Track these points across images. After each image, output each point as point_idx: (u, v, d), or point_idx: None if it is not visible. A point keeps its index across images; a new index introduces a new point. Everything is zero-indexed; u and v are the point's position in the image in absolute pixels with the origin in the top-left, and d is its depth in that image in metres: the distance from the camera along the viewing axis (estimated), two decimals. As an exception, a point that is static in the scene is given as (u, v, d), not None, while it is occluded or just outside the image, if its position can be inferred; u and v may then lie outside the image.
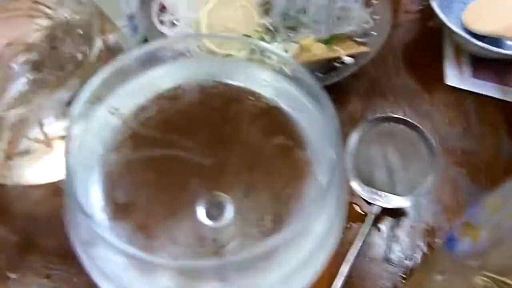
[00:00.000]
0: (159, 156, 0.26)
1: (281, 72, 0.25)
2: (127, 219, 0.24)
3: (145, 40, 0.51)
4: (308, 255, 0.21)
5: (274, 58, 0.38)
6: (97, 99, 0.22)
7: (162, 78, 0.25)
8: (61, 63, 0.36)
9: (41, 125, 0.36)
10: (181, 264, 0.19)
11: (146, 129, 0.25)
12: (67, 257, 0.40)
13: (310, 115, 0.24)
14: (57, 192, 0.43)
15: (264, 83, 0.25)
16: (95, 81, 0.21)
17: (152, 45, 0.23)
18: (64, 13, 0.35)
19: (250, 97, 0.25)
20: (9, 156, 0.37)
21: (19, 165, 0.38)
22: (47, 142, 0.37)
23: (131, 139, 0.25)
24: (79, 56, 0.36)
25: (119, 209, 0.24)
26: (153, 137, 0.25)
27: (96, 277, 0.23)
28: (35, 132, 0.37)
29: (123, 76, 0.23)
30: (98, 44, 0.37)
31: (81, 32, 0.38)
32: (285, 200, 0.25)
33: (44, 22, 0.38)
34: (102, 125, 0.24)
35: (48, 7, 0.39)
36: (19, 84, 0.36)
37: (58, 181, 0.43)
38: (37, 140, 0.37)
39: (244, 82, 0.26)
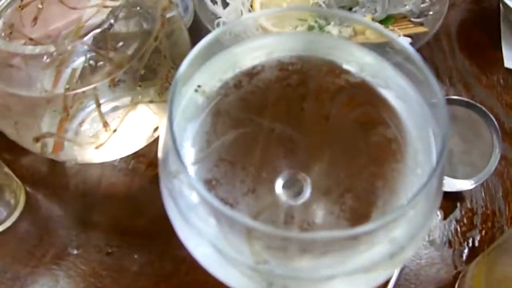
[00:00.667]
0: (239, 133, 0.26)
1: (367, 46, 0.24)
2: (211, 193, 0.24)
3: (195, 19, 0.51)
4: (403, 241, 0.21)
5: (334, 33, 0.37)
6: (185, 78, 0.22)
7: (244, 56, 0.24)
8: (121, 43, 0.36)
9: (98, 105, 0.36)
10: (283, 233, 0.18)
11: (227, 106, 0.25)
12: (126, 235, 0.40)
13: (403, 93, 0.23)
14: (113, 171, 0.44)
15: (350, 58, 0.25)
16: (185, 62, 0.21)
17: (231, 25, 0.22)
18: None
19: (334, 73, 0.25)
20: (61, 136, 0.37)
21: (75, 144, 0.38)
22: (104, 122, 0.37)
23: (212, 116, 0.25)
24: (140, 35, 0.36)
25: (204, 183, 0.24)
26: (234, 115, 0.25)
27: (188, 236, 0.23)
28: (91, 112, 0.37)
29: (206, 54, 0.23)
30: (158, 23, 0.37)
31: (141, 11, 0.37)
32: (368, 178, 0.25)
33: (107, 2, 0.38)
34: (187, 102, 0.23)
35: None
36: (79, 64, 0.36)
37: (114, 160, 0.44)
38: (93, 120, 0.38)
39: (328, 56, 0.25)
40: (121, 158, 0.44)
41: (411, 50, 0.22)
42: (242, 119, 0.26)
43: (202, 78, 0.24)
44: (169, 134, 0.19)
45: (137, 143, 0.40)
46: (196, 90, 0.24)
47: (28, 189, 0.43)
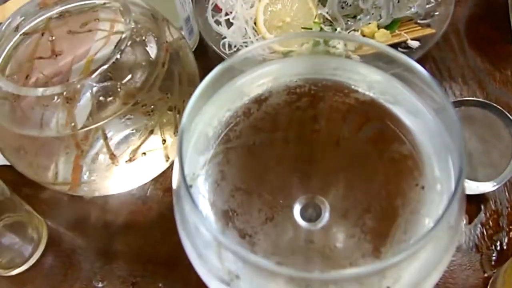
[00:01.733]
0: (252, 161, 0.26)
1: (375, 64, 0.24)
2: (229, 225, 0.24)
3: (200, 41, 0.51)
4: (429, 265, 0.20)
5: (340, 47, 0.37)
6: (194, 113, 0.22)
7: (250, 84, 0.24)
8: (129, 76, 0.36)
9: (105, 138, 0.36)
10: (302, 275, 0.18)
11: (238, 135, 0.25)
12: (149, 263, 0.40)
13: (414, 108, 0.23)
14: (132, 199, 0.44)
15: (357, 77, 0.24)
16: (195, 94, 0.21)
17: (241, 54, 0.22)
18: (130, 23, 0.35)
19: (342, 93, 0.24)
20: (78, 171, 0.37)
21: (90, 179, 0.39)
22: (112, 154, 0.37)
23: (224, 146, 0.25)
24: (146, 64, 0.36)
25: (221, 215, 0.24)
26: (245, 142, 0.25)
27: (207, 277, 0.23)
28: (100, 145, 0.37)
29: (214, 87, 0.23)
30: (164, 50, 0.37)
31: (146, 39, 0.38)
32: (386, 198, 0.24)
33: (112, 34, 0.38)
34: (198, 135, 0.23)
35: (113, 20, 0.39)
36: (87, 100, 0.36)
37: (130, 190, 0.44)
38: (103, 153, 0.38)
39: (334, 77, 0.25)
40: (138, 186, 0.44)
41: (416, 66, 0.21)
42: (254, 146, 0.26)
43: (211, 111, 0.24)
44: (181, 180, 0.19)
45: (153, 172, 0.41)
46: (206, 123, 0.24)
47: (49, 223, 0.44)
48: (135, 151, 0.36)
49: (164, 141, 0.39)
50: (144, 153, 0.38)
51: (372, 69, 0.24)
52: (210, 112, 0.24)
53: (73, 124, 0.34)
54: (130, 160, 0.38)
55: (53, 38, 0.40)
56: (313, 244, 0.24)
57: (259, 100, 0.25)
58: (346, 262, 0.23)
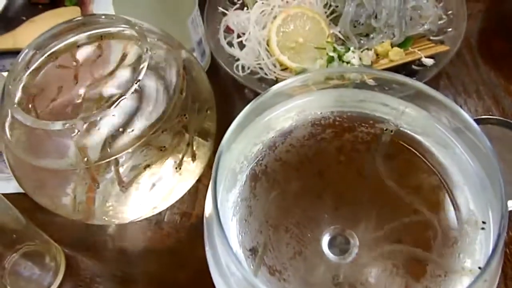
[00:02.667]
0: (278, 194, 0.25)
1: (400, 95, 0.23)
2: (258, 262, 0.24)
3: (212, 62, 0.51)
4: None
5: (355, 62, 0.36)
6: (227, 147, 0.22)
7: (276, 118, 0.24)
8: (147, 103, 0.36)
9: (117, 166, 0.36)
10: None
11: (263, 169, 0.25)
12: (169, 290, 0.40)
13: (443, 139, 0.23)
14: (149, 225, 0.44)
15: (382, 109, 0.24)
16: (228, 132, 0.21)
17: (272, 90, 0.22)
18: (148, 52, 0.35)
19: (368, 124, 0.24)
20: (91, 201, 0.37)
21: (104, 208, 0.38)
22: (122, 182, 0.37)
23: (250, 181, 0.25)
24: (165, 92, 0.36)
25: (250, 252, 0.23)
26: (271, 176, 0.25)
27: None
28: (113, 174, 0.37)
29: (245, 122, 0.23)
30: (179, 78, 0.37)
31: (164, 67, 0.38)
32: (417, 230, 0.24)
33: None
34: (227, 172, 0.23)
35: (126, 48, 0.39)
36: (103, 130, 0.36)
37: (146, 217, 0.44)
38: (116, 181, 0.37)
39: (359, 109, 0.25)
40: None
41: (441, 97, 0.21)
42: (279, 179, 0.26)
43: (239, 147, 0.24)
44: (217, 224, 0.19)
45: (168, 199, 0.40)
46: (235, 160, 0.23)
47: (66, 251, 0.43)
48: (148, 177, 0.36)
49: (179, 167, 0.39)
50: (158, 180, 0.38)
51: (398, 101, 0.24)
52: (238, 148, 0.24)
53: (86, 158, 0.34)
54: (143, 187, 0.37)
55: (67, 66, 0.40)
56: (344, 278, 0.24)
57: (284, 133, 0.25)
58: (380, 298, 0.23)
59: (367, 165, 0.25)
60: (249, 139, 0.24)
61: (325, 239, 0.25)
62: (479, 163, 0.22)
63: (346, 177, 0.26)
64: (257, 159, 0.25)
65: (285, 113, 0.25)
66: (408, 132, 0.24)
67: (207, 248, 0.22)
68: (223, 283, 0.21)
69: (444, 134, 0.23)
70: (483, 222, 0.21)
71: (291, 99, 0.24)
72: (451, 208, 0.23)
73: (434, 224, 0.23)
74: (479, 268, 0.19)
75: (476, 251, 0.21)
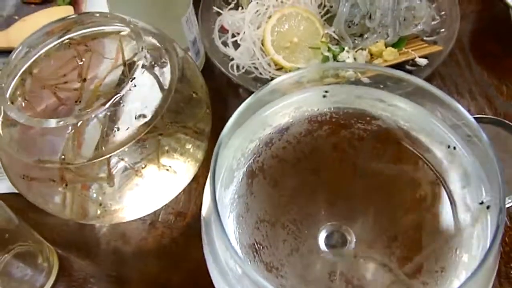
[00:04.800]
0: (274, 191, 0.25)
1: (397, 92, 0.24)
2: (255, 258, 0.23)
3: (206, 61, 0.51)
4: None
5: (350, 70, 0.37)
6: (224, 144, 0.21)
7: (273, 115, 0.24)
8: (141, 102, 0.36)
9: (109, 163, 0.36)
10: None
11: (260, 165, 0.25)
12: (163, 290, 0.40)
13: (441, 135, 0.23)
14: (143, 224, 0.43)
15: (379, 105, 0.24)
16: (225, 129, 0.21)
17: (269, 87, 0.22)
18: (143, 50, 0.35)
19: (365, 120, 0.24)
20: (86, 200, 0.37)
21: (99, 207, 0.38)
22: (114, 180, 0.36)
23: (247, 178, 0.24)
24: (160, 90, 0.36)
25: (248, 248, 0.23)
26: (267, 173, 0.25)
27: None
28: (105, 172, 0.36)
29: (241, 119, 0.22)
30: (174, 76, 0.37)
31: (159, 65, 0.37)
32: (413, 226, 0.24)
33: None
34: (224, 169, 0.23)
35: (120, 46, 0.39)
36: (96, 128, 0.35)
37: (140, 217, 0.43)
38: (106, 180, 0.37)
39: (356, 105, 0.25)
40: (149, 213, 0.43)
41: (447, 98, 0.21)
42: (276, 176, 0.25)
43: (235, 144, 0.23)
44: (217, 220, 0.19)
45: (163, 198, 0.40)
46: (232, 156, 0.23)
47: (59, 251, 0.43)
48: (142, 176, 0.36)
49: (174, 166, 0.39)
50: (152, 180, 0.38)
51: (395, 97, 0.24)
52: (235, 144, 0.23)
53: (80, 156, 0.33)
54: (137, 186, 0.37)
55: (61, 64, 0.40)
56: (341, 274, 0.24)
57: (280, 130, 0.25)
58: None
59: (363, 162, 0.25)
60: (246, 136, 0.24)
61: (322, 236, 0.25)
62: (476, 159, 0.22)
63: (342, 173, 0.26)
64: (254, 156, 0.25)
65: (282, 109, 0.25)
66: (405, 128, 0.24)
67: (204, 245, 0.22)
68: (222, 279, 0.21)
69: (442, 130, 0.23)
70: (480, 217, 0.21)
71: (288, 95, 0.24)
72: (448, 203, 0.23)
73: (431, 219, 0.23)
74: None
75: (473, 246, 0.21)
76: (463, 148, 0.22)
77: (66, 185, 0.36)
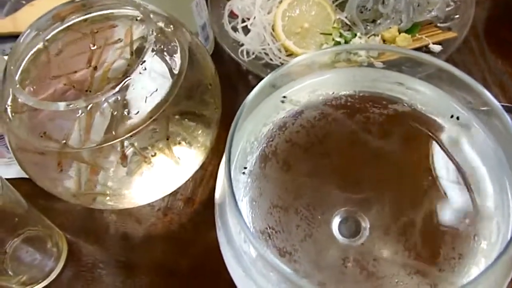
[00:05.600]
0: (288, 176, 0.25)
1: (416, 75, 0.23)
2: (269, 243, 0.23)
3: (215, 46, 0.51)
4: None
5: (362, 53, 0.36)
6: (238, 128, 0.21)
7: (287, 97, 0.24)
8: (152, 86, 0.35)
9: (121, 147, 0.35)
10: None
11: (273, 149, 0.24)
12: (173, 276, 0.40)
13: (463, 118, 0.22)
14: (152, 210, 0.43)
15: (397, 88, 0.24)
16: (239, 113, 0.20)
17: (275, 74, 0.21)
18: (153, 33, 0.34)
19: (381, 104, 0.24)
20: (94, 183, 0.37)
21: (107, 191, 0.38)
22: (125, 164, 0.36)
23: (260, 162, 0.24)
24: (170, 74, 0.36)
25: (261, 233, 0.23)
26: (281, 157, 0.24)
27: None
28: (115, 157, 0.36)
29: (255, 102, 0.22)
30: (185, 60, 0.37)
31: (169, 49, 0.37)
32: (429, 213, 0.23)
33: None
34: (238, 152, 0.23)
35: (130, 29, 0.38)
36: (106, 112, 0.35)
37: (149, 203, 0.43)
38: (116, 164, 0.37)
39: (373, 89, 0.24)
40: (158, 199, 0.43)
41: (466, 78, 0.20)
42: (289, 161, 0.25)
43: (249, 127, 0.23)
44: (233, 204, 0.18)
45: (171, 184, 0.40)
46: (247, 140, 0.23)
47: (68, 236, 0.43)
48: (152, 162, 0.36)
49: (184, 152, 0.38)
50: (162, 165, 0.37)
51: (415, 80, 0.23)
52: (249, 128, 0.23)
53: (90, 140, 0.33)
54: (146, 171, 0.37)
55: (70, 48, 0.39)
56: (354, 261, 0.24)
57: (294, 114, 0.25)
58: (393, 281, 0.22)
59: (379, 147, 0.25)
60: (259, 119, 0.24)
61: (336, 221, 0.25)
62: (498, 143, 0.21)
63: (357, 159, 0.25)
64: (268, 139, 0.24)
65: (296, 93, 0.24)
66: (423, 112, 0.24)
67: (218, 229, 0.22)
68: (236, 262, 0.20)
69: (462, 114, 0.23)
70: (500, 204, 0.21)
71: (302, 78, 0.24)
72: (466, 189, 0.22)
73: (449, 206, 0.23)
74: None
75: (493, 233, 0.20)
76: (484, 132, 0.22)
77: (78, 169, 0.36)
